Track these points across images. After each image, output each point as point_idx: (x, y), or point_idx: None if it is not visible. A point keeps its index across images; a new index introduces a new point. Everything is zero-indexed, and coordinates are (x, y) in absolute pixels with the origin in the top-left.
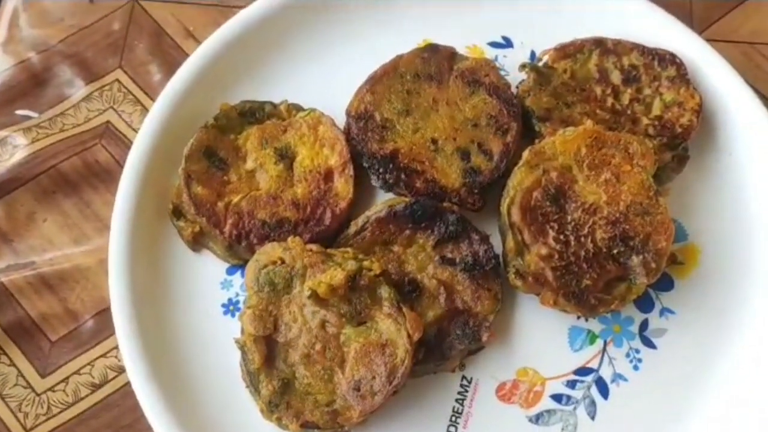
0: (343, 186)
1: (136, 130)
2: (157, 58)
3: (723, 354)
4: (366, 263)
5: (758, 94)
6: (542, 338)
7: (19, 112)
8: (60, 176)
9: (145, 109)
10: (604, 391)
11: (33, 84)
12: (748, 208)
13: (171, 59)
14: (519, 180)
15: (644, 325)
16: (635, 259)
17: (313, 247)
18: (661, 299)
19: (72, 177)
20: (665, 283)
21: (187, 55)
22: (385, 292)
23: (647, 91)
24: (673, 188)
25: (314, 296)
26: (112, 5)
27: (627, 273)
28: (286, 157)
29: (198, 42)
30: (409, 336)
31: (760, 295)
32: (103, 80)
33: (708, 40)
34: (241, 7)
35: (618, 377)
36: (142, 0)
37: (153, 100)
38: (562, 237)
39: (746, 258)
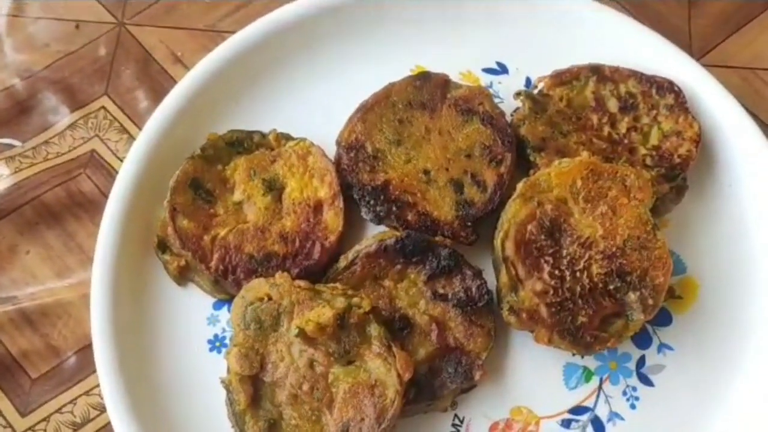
0: (332, 219)
1: (121, 159)
2: (145, 84)
3: (723, 392)
4: (355, 300)
5: (758, 121)
6: (536, 376)
7: (2, 140)
8: (43, 207)
9: (132, 138)
10: (600, 431)
11: (17, 111)
12: (749, 240)
13: (158, 85)
14: (513, 213)
15: (641, 361)
16: (632, 296)
17: (301, 283)
18: (659, 335)
19: (55, 208)
20: (663, 318)
21: (175, 81)
22: (374, 330)
23: (645, 120)
24: (671, 220)
25: (302, 335)
26: (98, 30)
27: (624, 309)
28: (275, 188)
29: (186, 68)
30: (399, 376)
31: (761, 330)
32: (88, 107)
33: (707, 66)
34: (230, 33)
35: (614, 416)
36: (129, 24)
37: (139, 128)
38: (557, 272)
39: (747, 292)
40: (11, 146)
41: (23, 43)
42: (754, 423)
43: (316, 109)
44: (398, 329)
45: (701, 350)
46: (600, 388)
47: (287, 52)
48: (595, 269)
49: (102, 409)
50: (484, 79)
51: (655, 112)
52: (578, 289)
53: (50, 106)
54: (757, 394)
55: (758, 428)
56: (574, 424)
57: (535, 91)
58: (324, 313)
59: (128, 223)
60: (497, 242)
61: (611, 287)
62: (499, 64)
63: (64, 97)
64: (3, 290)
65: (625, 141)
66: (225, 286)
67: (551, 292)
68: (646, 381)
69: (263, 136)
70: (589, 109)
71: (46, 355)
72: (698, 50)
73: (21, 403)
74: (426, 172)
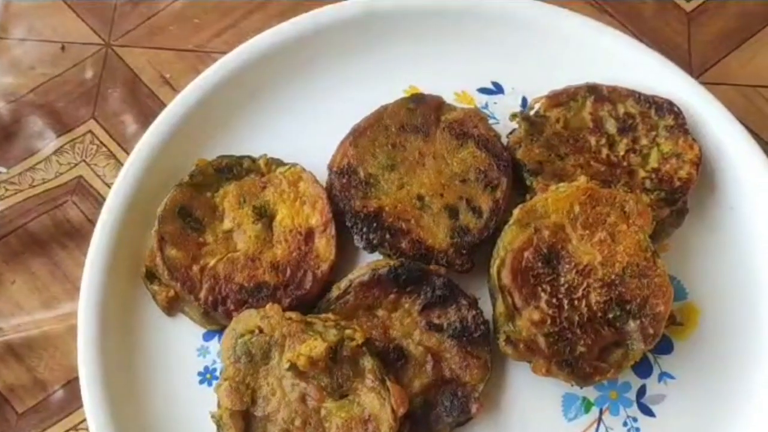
0: (324, 247)
1: (109, 185)
2: (132, 107)
3: (727, 421)
4: (348, 332)
5: (761, 141)
6: (534, 407)
7: None
8: (29, 236)
9: (119, 163)
10: None
11: (1, 137)
12: (752, 265)
13: (146, 108)
14: (509, 240)
15: (642, 391)
16: (632, 324)
17: (293, 314)
18: (660, 363)
19: (42, 236)
20: (664, 346)
21: (163, 104)
22: (368, 363)
23: (644, 141)
24: (671, 244)
25: (294, 369)
26: (84, 51)
27: (623, 338)
28: (265, 216)
29: (175, 90)
30: (393, 411)
31: (765, 357)
32: (75, 132)
33: (707, 83)
34: (219, 53)
35: None
36: (116, 46)
37: (127, 152)
38: (554, 301)
39: (749, 317)
40: None
41: (8, 65)
42: None
43: (308, 133)
44: (392, 360)
45: (703, 378)
46: (600, 419)
47: (277, 75)
48: (593, 297)
49: None
50: (479, 99)
51: (654, 133)
52: (576, 318)
53: (36, 130)
54: (762, 424)
55: None
56: None
57: (532, 113)
58: (316, 347)
59: (116, 252)
60: (493, 270)
61: (610, 316)
62: (494, 83)
63: (50, 122)
64: None
65: (624, 163)
66: (215, 317)
67: (549, 321)
68: (647, 411)
69: (253, 161)
70: (587, 131)
71: (32, 389)
72: (698, 67)
73: None
74: (420, 197)
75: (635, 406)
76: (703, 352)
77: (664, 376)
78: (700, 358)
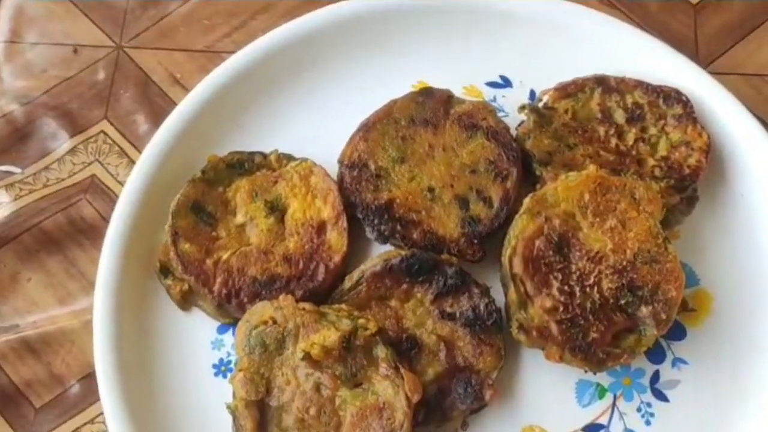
0: (336, 239)
1: (122, 184)
2: (144, 107)
3: (740, 405)
4: (361, 321)
5: None
6: (548, 394)
7: (2, 167)
8: (44, 234)
9: (132, 162)
10: None
11: (16, 138)
12: (762, 250)
13: (158, 108)
14: (520, 228)
15: (656, 376)
16: (644, 310)
17: (306, 305)
18: (673, 349)
19: (56, 234)
20: (677, 332)
21: (174, 104)
22: (381, 351)
23: (653, 131)
24: (682, 231)
25: (307, 358)
26: (96, 54)
27: (636, 324)
28: (277, 209)
29: (185, 89)
30: (407, 398)
31: None
32: (88, 132)
33: (715, 74)
34: (229, 53)
35: None
36: (128, 47)
37: (139, 151)
38: (566, 288)
39: (762, 303)
40: (11, 173)
41: (21, 69)
42: None
43: (318, 128)
44: (406, 350)
45: (717, 364)
46: (614, 404)
47: (286, 72)
48: (605, 284)
49: None
50: (488, 93)
51: (662, 122)
52: (589, 304)
53: (49, 131)
54: None
55: None
56: None
57: (540, 105)
58: (329, 336)
59: (130, 248)
60: (505, 259)
61: (622, 302)
62: (502, 77)
63: (63, 123)
64: (5, 319)
65: (633, 152)
66: (229, 309)
67: (561, 308)
68: (661, 396)
69: (264, 157)
70: (596, 121)
71: (49, 384)
72: (705, 58)
73: None
74: (430, 189)
75: (649, 391)
76: (717, 337)
77: (677, 361)
78: (713, 344)
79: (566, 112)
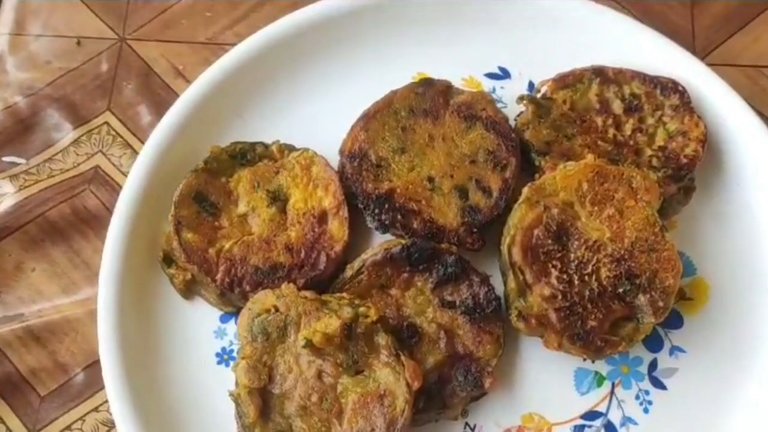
0: (337, 228)
1: (125, 174)
2: (147, 98)
3: (737, 393)
4: (362, 309)
5: (765, 119)
6: (547, 382)
7: (6, 158)
8: (48, 224)
9: (135, 152)
10: None
11: (20, 129)
12: (759, 239)
13: (160, 99)
14: (519, 218)
15: (653, 365)
16: (642, 298)
17: (308, 293)
18: (671, 337)
19: (60, 224)
20: (674, 321)
21: (177, 95)
22: (382, 339)
23: (650, 121)
24: (679, 221)
25: (309, 345)
26: (99, 46)
27: (634, 312)
28: (279, 199)
29: (188, 81)
30: (408, 385)
31: None
32: (91, 123)
33: (712, 65)
34: (231, 45)
35: (627, 421)
36: (131, 39)
37: (143, 142)
38: (565, 276)
39: (758, 291)
40: (15, 164)
41: (25, 61)
42: None
43: (319, 119)
44: (406, 338)
45: (714, 352)
46: (612, 392)
47: (288, 63)
48: (603, 272)
49: (111, 425)
50: (487, 85)
51: (660, 112)
52: (587, 293)
53: (53, 123)
54: None
55: None
56: (587, 429)
57: (538, 95)
58: (331, 324)
59: (133, 238)
60: (504, 248)
61: (620, 290)
62: (501, 68)
63: (66, 114)
64: (10, 308)
65: (631, 142)
66: (231, 298)
67: (560, 296)
68: (658, 384)
69: (266, 147)
70: (593, 112)
71: (54, 372)
72: (702, 49)
73: (30, 420)
74: (430, 179)
75: (647, 379)
76: (713, 326)
77: (675, 350)
78: (710, 333)
79: (564, 102)
